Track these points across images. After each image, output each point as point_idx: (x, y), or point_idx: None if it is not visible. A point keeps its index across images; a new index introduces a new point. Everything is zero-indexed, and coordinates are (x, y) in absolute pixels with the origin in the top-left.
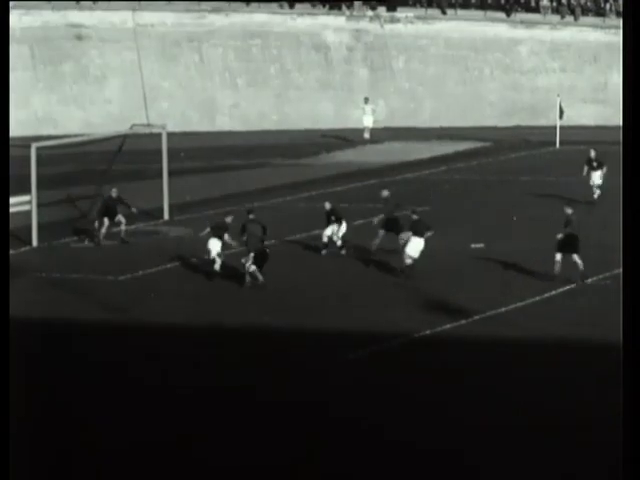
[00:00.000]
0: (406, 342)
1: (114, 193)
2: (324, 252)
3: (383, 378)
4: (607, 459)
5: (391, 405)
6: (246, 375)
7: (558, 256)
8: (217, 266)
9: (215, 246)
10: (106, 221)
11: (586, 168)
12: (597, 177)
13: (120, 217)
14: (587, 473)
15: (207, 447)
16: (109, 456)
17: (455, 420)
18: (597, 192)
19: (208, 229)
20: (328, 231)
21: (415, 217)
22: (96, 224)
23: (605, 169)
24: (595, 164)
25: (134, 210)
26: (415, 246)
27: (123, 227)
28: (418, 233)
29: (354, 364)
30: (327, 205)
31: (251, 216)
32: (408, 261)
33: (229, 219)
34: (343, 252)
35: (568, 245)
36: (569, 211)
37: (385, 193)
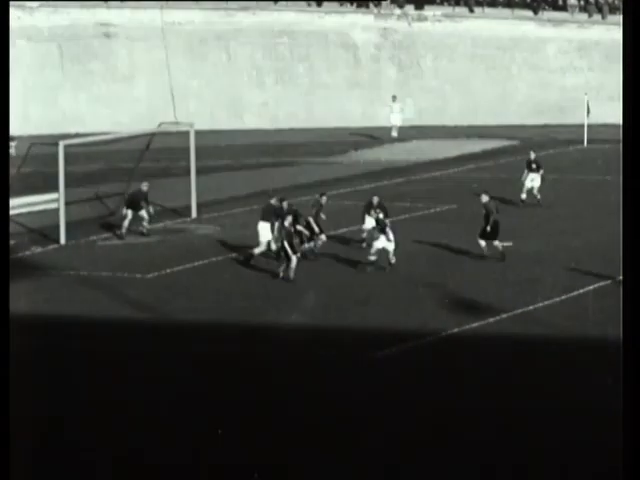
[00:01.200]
0: (434, 341)
1: (144, 187)
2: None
3: (410, 377)
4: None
5: (415, 403)
6: (275, 373)
7: (482, 243)
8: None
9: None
10: (130, 214)
11: (526, 170)
12: (533, 179)
13: (143, 212)
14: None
15: (232, 445)
16: (131, 455)
17: (480, 418)
18: (538, 195)
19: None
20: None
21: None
22: (123, 212)
23: (542, 171)
24: (534, 166)
25: (151, 211)
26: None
27: (145, 223)
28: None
29: (381, 362)
30: (374, 199)
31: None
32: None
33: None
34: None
35: (492, 232)
36: (485, 199)
37: (375, 200)
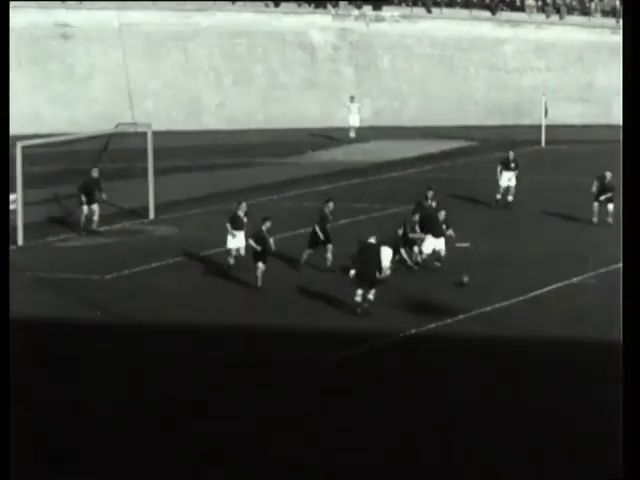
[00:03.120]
0: (392, 342)
1: (95, 173)
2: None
3: (369, 378)
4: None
5: (377, 404)
6: (232, 374)
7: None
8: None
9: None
10: (85, 209)
11: (499, 168)
12: (510, 179)
13: (95, 206)
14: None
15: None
16: (94, 455)
17: (443, 418)
18: (510, 196)
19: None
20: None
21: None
22: (82, 207)
23: (517, 172)
24: (513, 165)
25: (104, 196)
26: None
27: (96, 217)
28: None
29: (341, 364)
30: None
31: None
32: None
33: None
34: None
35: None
36: (330, 206)
37: (330, 205)
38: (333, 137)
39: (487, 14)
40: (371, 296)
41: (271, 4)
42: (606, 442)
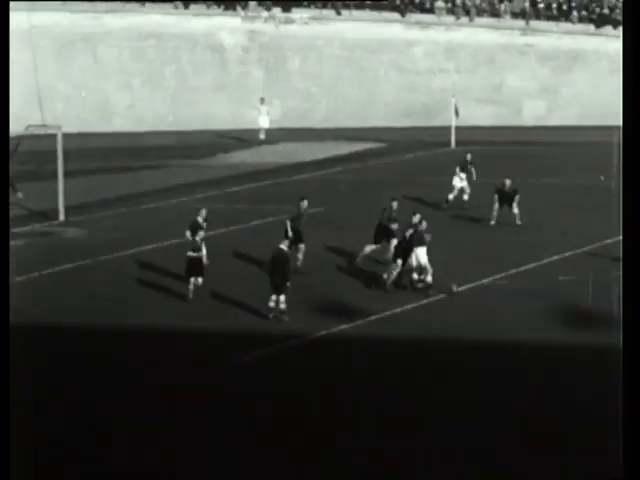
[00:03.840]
0: (300, 343)
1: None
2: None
3: (278, 378)
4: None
5: (286, 405)
6: (140, 374)
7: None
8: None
9: None
10: None
11: (458, 169)
12: (463, 179)
13: None
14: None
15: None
16: None
17: (350, 418)
18: (466, 196)
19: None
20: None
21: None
22: None
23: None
24: (469, 167)
25: (20, 195)
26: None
27: None
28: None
29: (250, 365)
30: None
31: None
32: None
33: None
34: None
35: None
36: (304, 204)
37: (304, 204)
38: (243, 139)
39: (396, 16)
40: (282, 303)
41: (180, 6)
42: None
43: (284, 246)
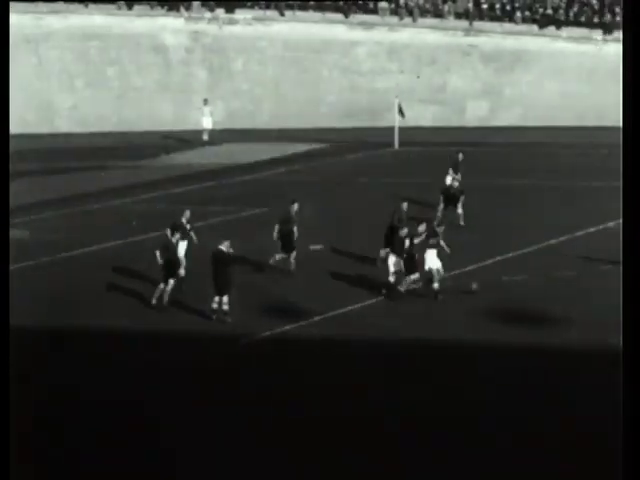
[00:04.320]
0: (246, 343)
1: None
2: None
3: (221, 379)
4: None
5: (230, 404)
6: (83, 374)
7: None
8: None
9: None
10: None
11: (451, 170)
12: (451, 179)
13: None
14: None
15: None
16: None
17: (299, 418)
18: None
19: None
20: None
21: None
22: None
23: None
24: (460, 167)
25: None
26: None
27: None
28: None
29: (194, 366)
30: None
31: None
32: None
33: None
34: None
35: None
36: (294, 207)
37: (295, 207)
38: (186, 140)
39: (340, 17)
40: (225, 304)
41: (124, 7)
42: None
43: (224, 247)
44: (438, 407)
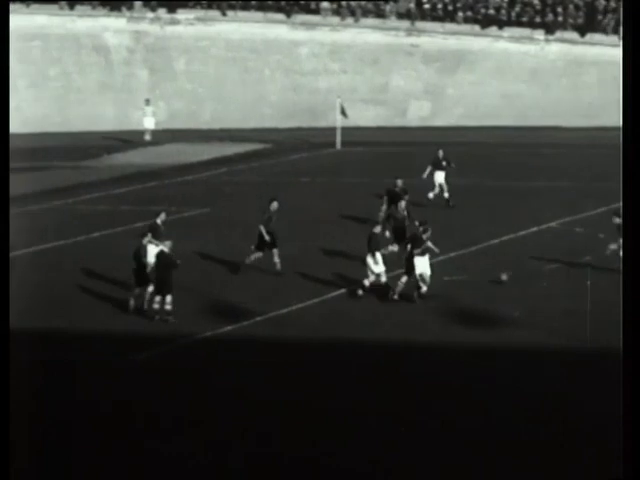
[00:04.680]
0: (188, 344)
1: None
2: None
3: (168, 378)
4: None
5: (172, 406)
6: (30, 376)
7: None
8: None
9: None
10: None
11: (430, 168)
12: (442, 177)
13: None
14: None
15: None
16: None
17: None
18: (446, 193)
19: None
20: None
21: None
22: None
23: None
24: (444, 164)
25: None
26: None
27: None
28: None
29: (142, 365)
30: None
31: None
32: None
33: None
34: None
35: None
36: (274, 205)
37: (274, 205)
38: (128, 140)
39: (282, 17)
40: (168, 304)
41: (66, 7)
42: None
43: (166, 248)
44: (378, 406)
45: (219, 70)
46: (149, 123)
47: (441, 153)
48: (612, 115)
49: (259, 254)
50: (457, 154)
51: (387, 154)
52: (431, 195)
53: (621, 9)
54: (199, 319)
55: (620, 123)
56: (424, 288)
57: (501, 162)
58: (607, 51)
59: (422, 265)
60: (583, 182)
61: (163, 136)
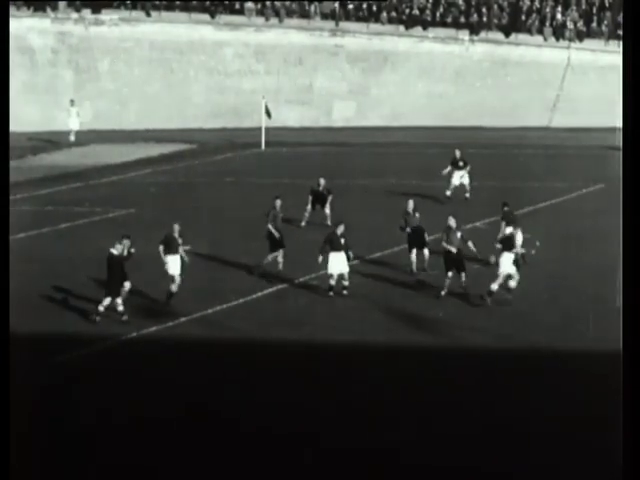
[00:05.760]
0: (112, 345)
1: None
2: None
3: (92, 379)
4: None
5: (103, 403)
6: None
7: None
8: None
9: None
10: None
11: (450, 167)
12: (462, 176)
13: None
14: None
15: None
16: None
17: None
18: (467, 193)
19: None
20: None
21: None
22: None
23: (469, 168)
24: (461, 164)
25: None
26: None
27: None
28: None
29: (63, 367)
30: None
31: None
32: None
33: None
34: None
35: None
36: (277, 203)
37: (278, 202)
38: (53, 141)
39: (206, 17)
40: (120, 305)
41: None
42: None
43: (115, 250)
44: (309, 406)
45: (144, 71)
46: (74, 124)
47: (458, 153)
48: (536, 115)
49: (275, 254)
50: (382, 155)
51: (312, 154)
52: (448, 193)
53: (619, 11)
54: (132, 319)
55: (544, 123)
56: (345, 283)
57: (425, 163)
58: (531, 51)
59: (341, 263)
60: (508, 182)
61: (88, 137)
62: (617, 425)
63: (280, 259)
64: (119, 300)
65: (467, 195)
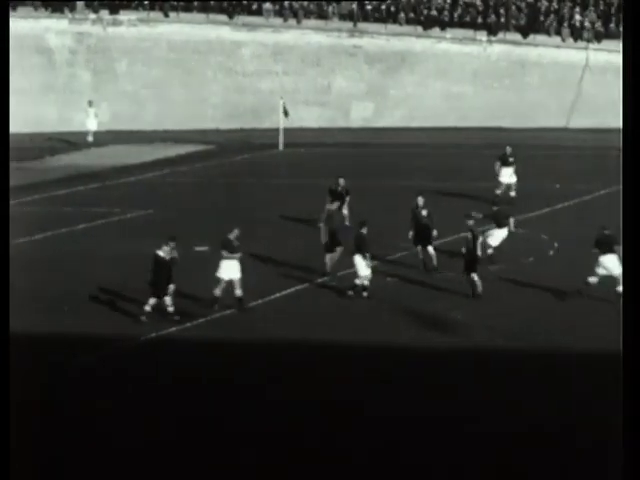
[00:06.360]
0: (133, 345)
1: None
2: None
3: (114, 380)
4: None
5: (124, 406)
6: None
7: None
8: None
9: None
10: None
11: (498, 164)
12: (511, 175)
13: None
14: None
15: None
16: None
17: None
18: (512, 192)
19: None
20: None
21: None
22: None
23: (515, 167)
24: (511, 160)
25: None
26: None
27: None
28: (500, 224)
29: (84, 366)
30: None
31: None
32: (489, 251)
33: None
34: None
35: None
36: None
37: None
38: (71, 141)
39: (224, 18)
40: (170, 306)
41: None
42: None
43: (162, 252)
44: (309, 407)
45: (161, 71)
46: (92, 124)
47: (509, 149)
48: (554, 116)
49: (331, 254)
50: (400, 155)
51: (330, 155)
52: (498, 192)
53: (621, 11)
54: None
55: (562, 124)
56: (367, 283)
57: (443, 163)
58: (549, 52)
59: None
60: (526, 182)
61: (106, 137)
62: (617, 425)
63: (336, 257)
64: (168, 301)
65: (513, 194)
